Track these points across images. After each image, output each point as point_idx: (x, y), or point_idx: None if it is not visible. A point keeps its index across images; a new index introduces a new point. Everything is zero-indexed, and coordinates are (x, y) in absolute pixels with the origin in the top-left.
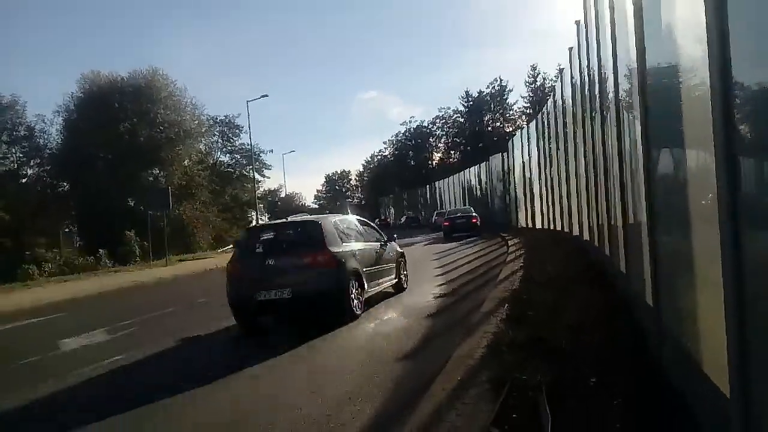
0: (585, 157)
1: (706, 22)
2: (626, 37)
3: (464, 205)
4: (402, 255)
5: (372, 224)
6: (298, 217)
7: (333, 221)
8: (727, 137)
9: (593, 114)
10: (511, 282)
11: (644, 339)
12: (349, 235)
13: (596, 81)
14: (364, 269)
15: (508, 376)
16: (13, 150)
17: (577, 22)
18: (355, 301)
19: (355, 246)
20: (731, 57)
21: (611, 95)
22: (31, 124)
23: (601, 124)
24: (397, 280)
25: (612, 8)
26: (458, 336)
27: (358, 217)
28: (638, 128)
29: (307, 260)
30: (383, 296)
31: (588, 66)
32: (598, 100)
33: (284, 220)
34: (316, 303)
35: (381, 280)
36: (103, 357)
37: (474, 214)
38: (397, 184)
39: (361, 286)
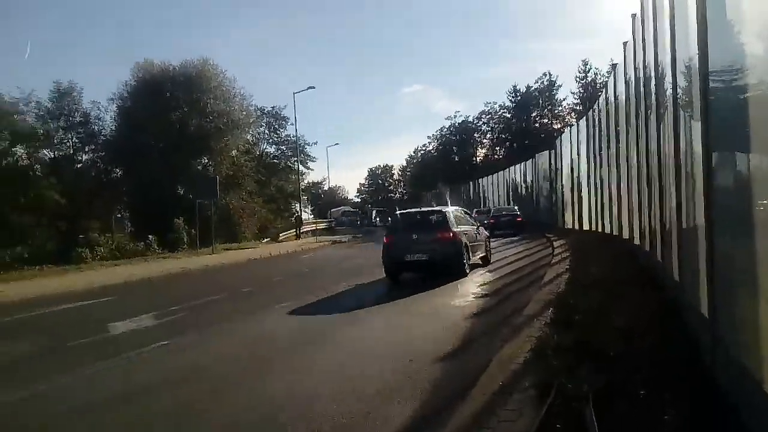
0: (638, 157)
1: None
2: (686, 32)
3: (508, 203)
4: (488, 237)
5: (469, 213)
6: (429, 208)
7: (451, 210)
8: None
9: (648, 112)
10: (557, 285)
11: (697, 350)
12: (460, 220)
13: (652, 77)
14: (470, 244)
15: (554, 382)
16: (70, 136)
17: (633, 15)
18: (466, 264)
19: (464, 228)
20: None
21: (669, 93)
22: (86, 111)
23: (657, 123)
24: (485, 254)
25: (672, 2)
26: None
27: (460, 208)
28: (698, 128)
29: (439, 235)
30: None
31: (644, 62)
32: (654, 97)
33: (420, 209)
34: (443, 264)
35: (477, 253)
36: (150, 342)
37: (518, 212)
38: (440, 180)
39: (468, 255)
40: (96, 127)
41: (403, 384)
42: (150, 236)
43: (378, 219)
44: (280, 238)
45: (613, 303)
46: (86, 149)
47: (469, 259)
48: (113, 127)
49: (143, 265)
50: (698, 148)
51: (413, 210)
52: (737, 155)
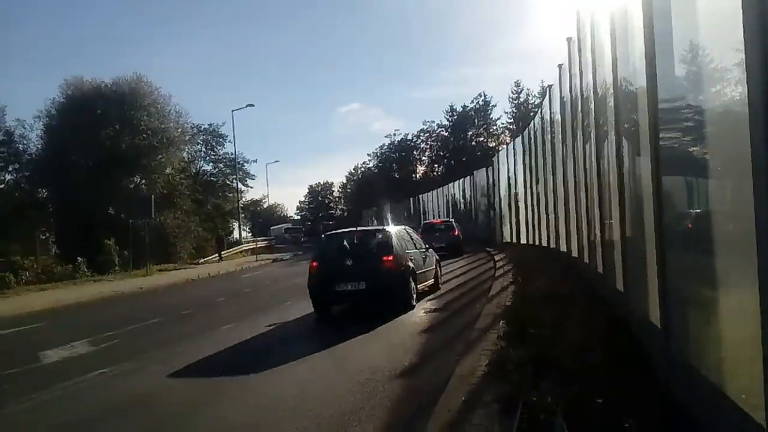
0: (575, 174)
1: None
2: (627, 56)
3: (448, 218)
4: (438, 261)
5: (416, 234)
6: (367, 228)
7: (397, 230)
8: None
9: (589, 131)
10: (503, 297)
11: (650, 358)
12: (406, 242)
13: (591, 99)
14: (417, 271)
15: (520, 396)
16: None
17: (569, 39)
18: (413, 295)
19: (410, 251)
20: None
21: (611, 110)
22: (10, 129)
23: (596, 141)
24: (434, 281)
25: (613, 26)
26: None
27: (407, 227)
28: (645, 145)
29: (380, 261)
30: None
31: (581, 83)
32: (593, 115)
33: (357, 228)
34: (385, 294)
35: (426, 281)
36: (87, 370)
37: (454, 225)
38: (381, 197)
39: (415, 283)
40: (20, 146)
41: (364, 403)
42: (79, 258)
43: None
44: (202, 261)
45: (562, 314)
46: (9, 169)
47: (416, 288)
48: (39, 146)
49: (73, 288)
50: (645, 167)
51: (347, 230)
52: (684, 168)
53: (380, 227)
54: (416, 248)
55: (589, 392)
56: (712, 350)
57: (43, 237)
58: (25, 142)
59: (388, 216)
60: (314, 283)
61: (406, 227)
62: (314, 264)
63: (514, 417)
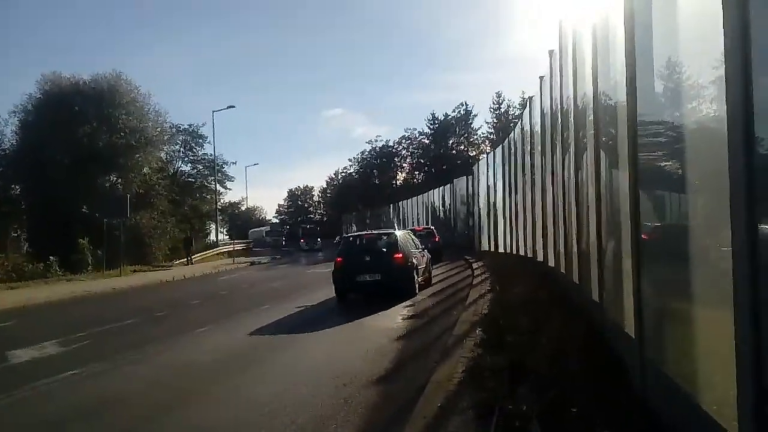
0: (553, 185)
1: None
2: (608, 69)
3: (428, 225)
4: (430, 260)
5: (415, 237)
6: (379, 231)
7: (403, 233)
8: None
9: (568, 143)
10: (480, 305)
11: (624, 367)
12: (409, 243)
13: (571, 111)
14: (418, 267)
15: (495, 403)
16: None
17: (551, 52)
18: (416, 285)
19: (412, 250)
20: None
21: (590, 123)
22: None
23: (575, 153)
24: (428, 276)
25: (595, 39)
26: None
27: (409, 231)
28: (623, 157)
29: (392, 257)
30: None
31: (561, 95)
32: (572, 128)
33: (371, 231)
34: (395, 284)
35: (423, 276)
36: (57, 371)
37: (435, 232)
38: (360, 202)
39: (417, 276)
40: None
41: (339, 409)
42: (51, 257)
43: (305, 242)
44: (177, 262)
45: (538, 323)
46: None
47: (418, 280)
48: (14, 141)
49: (44, 287)
50: (622, 179)
51: (364, 233)
52: (662, 180)
53: (390, 231)
54: (416, 248)
55: (565, 400)
56: (685, 361)
57: (15, 234)
58: None
59: (367, 222)
60: (339, 274)
61: (408, 231)
62: (339, 259)
63: (490, 424)
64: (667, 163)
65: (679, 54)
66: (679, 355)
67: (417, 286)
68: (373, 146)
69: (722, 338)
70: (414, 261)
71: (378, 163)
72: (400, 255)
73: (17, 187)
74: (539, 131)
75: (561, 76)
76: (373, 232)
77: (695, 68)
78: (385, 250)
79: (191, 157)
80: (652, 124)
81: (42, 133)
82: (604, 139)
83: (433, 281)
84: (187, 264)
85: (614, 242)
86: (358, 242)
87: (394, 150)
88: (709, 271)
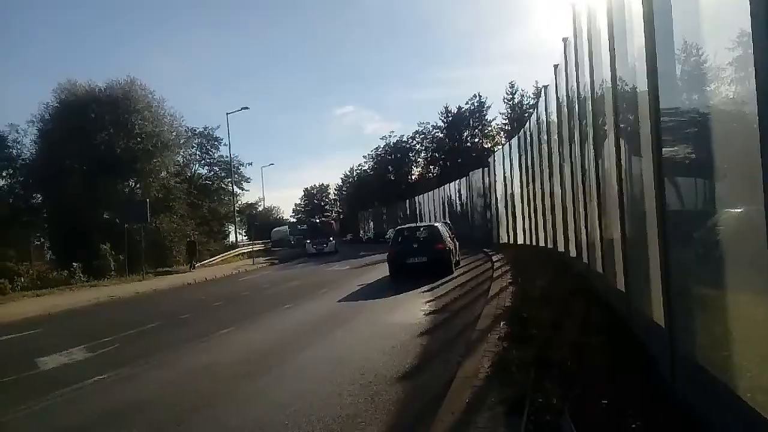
0: (573, 174)
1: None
2: (626, 54)
3: (445, 219)
4: (457, 245)
5: (449, 228)
6: (423, 223)
7: (441, 225)
8: None
9: (585, 130)
10: (503, 298)
11: (653, 357)
12: (445, 233)
13: (588, 99)
14: (453, 251)
15: (526, 398)
16: None
17: (565, 40)
18: (453, 266)
19: (448, 239)
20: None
21: (610, 110)
22: (3, 134)
23: (594, 141)
24: (458, 259)
25: (611, 22)
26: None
27: (445, 223)
28: (646, 143)
29: (435, 245)
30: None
31: (578, 84)
32: (590, 115)
33: (416, 224)
34: (438, 265)
35: (455, 259)
36: (85, 377)
37: (441, 233)
38: (377, 198)
39: (453, 258)
40: (14, 151)
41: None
42: (74, 263)
43: (313, 243)
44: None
45: (562, 315)
46: (2, 174)
47: (453, 262)
48: (33, 151)
49: (69, 294)
50: (645, 166)
51: (411, 225)
52: (690, 166)
53: (431, 224)
54: (450, 237)
55: (594, 393)
56: (720, 349)
57: (38, 242)
58: (18, 146)
59: (384, 218)
60: (393, 258)
61: (445, 222)
62: (391, 249)
63: (521, 418)
64: (693, 147)
65: (700, 34)
66: (714, 343)
67: (453, 267)
68: (387, 142)
69: (761, 325)
70: (450, 247)
71: (392, 158)
72: (442, 244)
73: (38, 195)
74: (555, 120)
75: (576, 63)
76: (419, 225)
77: (719, 47)
78: (429, 239)
79: (207, 160)
80: (675, 108)
81: (60, 141)
82: (623, 125)
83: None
84: (190, 269)
85: (640, 230)
86: (407, 233)
87: (408, 145)
88: (740, 257)
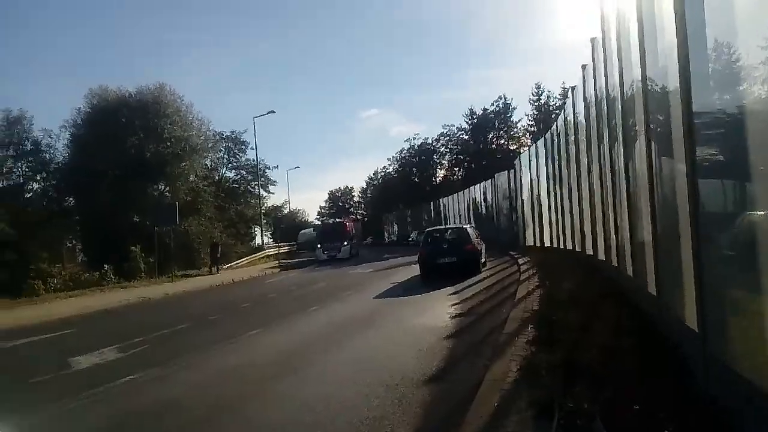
0: (602, 176)
1: None
2: (656, 52)
3: (468, 223)
4: (484, 246)
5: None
6: (451, 225)
7: (470, 227)
8: None
9: (615, 131)
10: (530, 302)
11: (686, 362)
12: (474, 235)
13: (617, 99)
14: (481, 251)
15: (555, 402)
16: (19, 164)
17: (593, 40)
18: (481, 266)
19: (476, 240)
20: None
21: (640, 111)
22: (37, 139)
23: (624, 142)
24: (484, 260)
25: (641, 20)
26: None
27: (473, 226)
28: (678, 145)
29: (465, 246)
30: None
31: (606, 83)
32: (620, 116)
33: (446, 226)
34: (467, 265)
35: (483, 259)
36: (117, 376)
37: (470, 235)
38: (401, 201)
39: (480, 258)
40: (47, 155)
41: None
42: (105, 265)
43: (324, 248)
44: (225, 267)
45: (591, 318)
46: (37, 178)
47: (481, 262)
48: (65, 155)
49: (100, 295)
50: (678, 168)
51: (440, 227)
52: (725, 169)
53: (461, 226)
54: (478, 238)
55: (625, 396)
56: (755, 353)
57: (70, 245)
58: (51, 151)
59: (408, 221)
60: (424, 258)
61: (472, 225)
62: (422, 250)
63: (550, 422)
64: (727, 147)
65: (736, 31)
66: (748, 347)
67: (481, 266)
68: (412, 144)
69: None
70: (478, 247)
71: (417, 161)
72: (470, 244)
73: (70, 199)
74: (584, 121)
75: (605, 63)
76: (447, 227)
77: (749, 47)
78: (458, 239)
79: (235, 164)
80: (709, 108)
81: (92, 145)
82: (654, 126)
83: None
84: (212, 272)
85: (672, 233)
86: (436, 234)
87: (432, 147)
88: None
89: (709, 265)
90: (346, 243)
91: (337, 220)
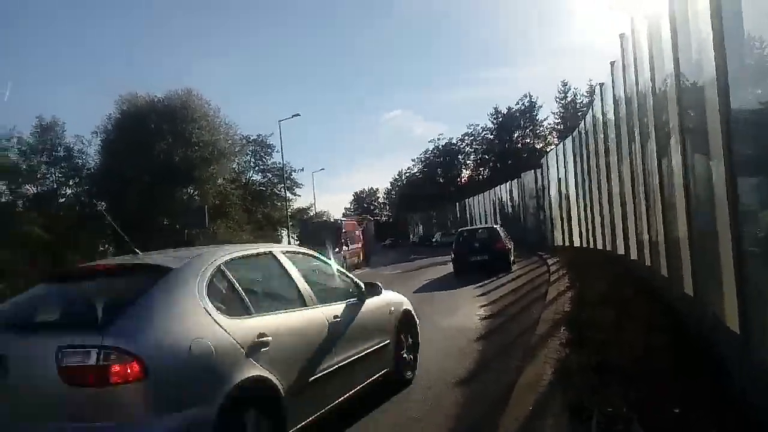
0: (633, 174)
1: None
2: (690, 46)
3: (496, 223)
4: (512, 247)
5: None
6: (483, 226)
7: (499, 227)
8: None
9: (647, 128)
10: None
11: (724, 365)
12: (503, 234)
13: (649, 95)
14: (510, 250)
15: (592, 406)
16: (53, 170)
17: (622, 35)
18: (511, 264)
19: (506, 238)
20: None
21: (674, 107)
22: (69, 145)
23: (657, 139)
24: (513, 258)
25: (673, 14)
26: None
27: (502, 226)
28: (716, 141)
29: (495, 245)
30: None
31: (636, 80)
32: (652, 113)
33: (477, 226)
34: (498, 263)
35: (512, 257)
36: None
37: (500, 234)
38: (426, 202)
39: (511, 257)
40: (79, 161)
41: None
42: None
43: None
44: None
45: (625, 320)
46: (70, 183)
47: (511, 260)
48: (97, 161)
49: None
50: (716, 165)
51: (470, 228)
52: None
53: (491, 226)
54: (507, 238)
55: (664, 399)
56: None
57: (103, 249)
58: (83, 157)
59: (434, 221)
60: (457, 256)
61: (502, 226)
62: (455, 248)
63: (586, 424)
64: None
65: None
66: None
67: (511, 264)
68: (436, 145)
69: None
70: (508, 246)
71: (441, 161)
72: (501, 243)
73: (102, 203)
74: (613, 119)
75: (635, 59)
76: (479, 227)
77: None
78: (489, 239)
79: (261, 167)
80: (747, 103)
81: (122, 151)
82: (688, 123)
83: (509, 277)
84: None
85: (710, 232)
86: (467, 234)
87: (457, 147)
88: None
89: (750, 264)
90: (345, 247)
91: (334, 219)
